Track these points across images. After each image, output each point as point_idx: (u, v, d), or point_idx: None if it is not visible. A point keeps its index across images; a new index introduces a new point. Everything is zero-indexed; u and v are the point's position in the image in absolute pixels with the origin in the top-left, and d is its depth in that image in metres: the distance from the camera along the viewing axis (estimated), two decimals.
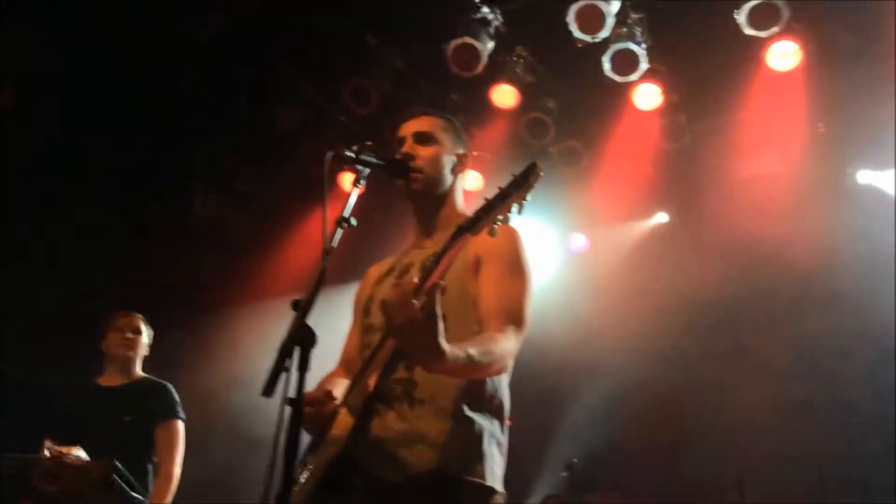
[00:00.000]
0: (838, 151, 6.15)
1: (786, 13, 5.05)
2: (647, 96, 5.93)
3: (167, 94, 6.17)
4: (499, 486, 2.43)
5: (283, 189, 7.17)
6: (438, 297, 2.05)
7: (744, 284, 6.29)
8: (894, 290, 5.65)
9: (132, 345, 4.49)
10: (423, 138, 2.73)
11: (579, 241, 7.31)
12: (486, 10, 5.65)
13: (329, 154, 2.44)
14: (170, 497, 4.24)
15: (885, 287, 5.73)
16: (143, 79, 6.03)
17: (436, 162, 2.71)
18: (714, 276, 6.43)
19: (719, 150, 6.33)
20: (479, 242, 2.29)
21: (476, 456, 2.38)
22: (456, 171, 2.78)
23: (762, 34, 5.19)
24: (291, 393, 2.04)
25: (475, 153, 6.42)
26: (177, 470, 4.31)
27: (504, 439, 2.52)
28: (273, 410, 2.06)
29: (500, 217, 2.09)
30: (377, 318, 2.59)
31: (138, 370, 4.55)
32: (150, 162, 6.54)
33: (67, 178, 6.10)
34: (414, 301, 2.03)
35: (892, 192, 6.15)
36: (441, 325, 2.05)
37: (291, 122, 6.55)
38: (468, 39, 5.59)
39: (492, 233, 2.11)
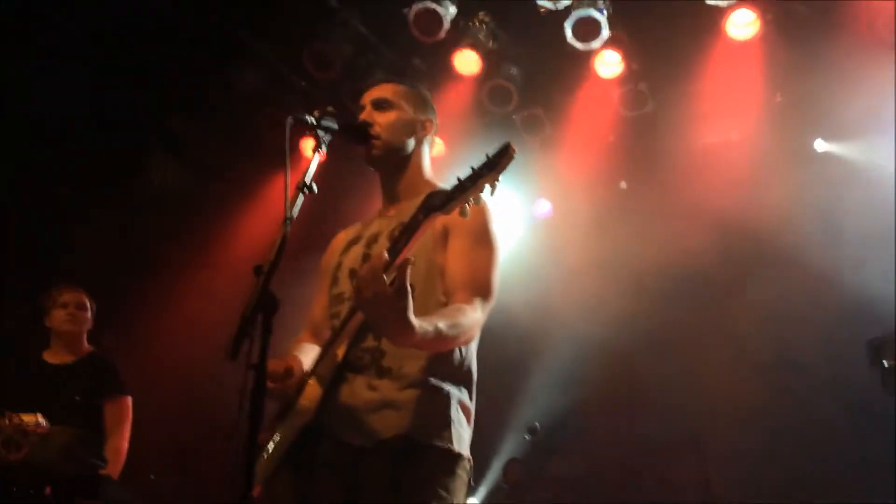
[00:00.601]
0: (796, 120, 6.24)
1: None
2: (609, 64, 5.96)
3: (120, 57, 6.03)
4: (465, 451, 2.47)
5: (242, 156, 7.08)
6: (408, 272, 2.07)
7: (703, 251, 6.38)
8: (850, 255, 5.79)
9: (79, 320, 4.46)
10: (381, 104, 2.73)
11: (543, 207, 7.35)
12: None
13: (289, 119, 2.43)
14: (118, 469, 4.24)
15: (840, 253, 5.86)
16: (96, 41, 5.89)
17: (394, 128, 2.71)
18: (674, 243, 6.53)
19: (680, 118, 6.38)
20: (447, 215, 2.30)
21: (443, 422, 2.42)
22: (419, 136, 2.78)
23: (721, 3, 5.23)
24: (254, 358, 2.06)
25: (437, 119, 6.42)
26: (125, 444, 4.33)
27: (472, 406, 2.55)
28: (237, 377, 2.07)
29: (472, 198, 2.09)
30: (345, 286, 2.61)
31: (85, 345, 4.53)
32: (102, 128, 6.41)
33: (17, 147, 5.95)
34: (384, 277, 2.04)
35: (847, 163, 6.26)
36: (410, 301, 2.06)
37: (250, 87, 6.45)
38: (430, 4, 5.55)
39: (463, 213, 2.11)
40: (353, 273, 2.59)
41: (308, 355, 2.59)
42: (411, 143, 2.76)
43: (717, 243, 6.41)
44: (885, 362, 5.04)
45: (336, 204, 5.15)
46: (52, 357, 4.46)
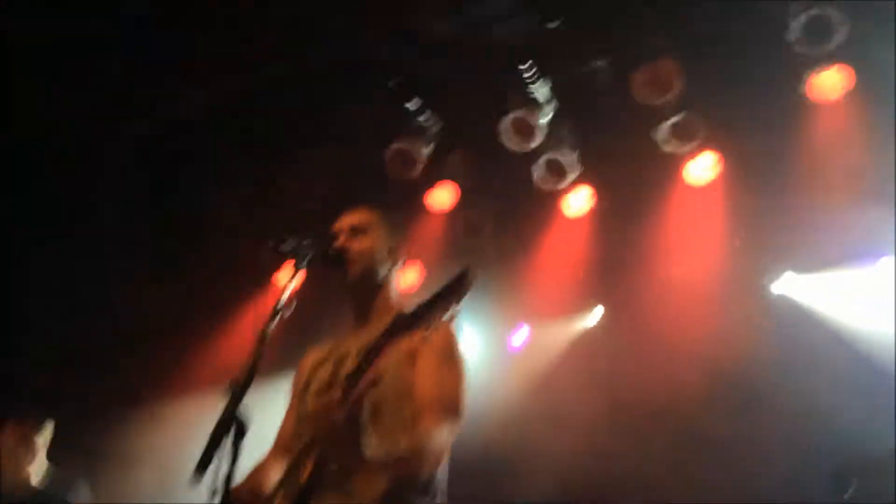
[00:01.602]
0: (753, 260, 6.44)
1: (703, 129, 5.39)
2: (576, 203, 6.20)
3: (97, 178, 6.16)
4: None
5: (223, 282, 7.13)
6: (364, 405, 2.14)
7: (664, 384, 6.43)
8: (808, 392, 5.86)
9: (12, 468, 4.27)
10: (355, 231, 2.86)
11: (521, 335, 7.37)
12: (424, 116, 5.88)
13: (269, 244, 2.54)
14: None
15: (800, 390, 5.94)
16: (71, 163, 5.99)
17: (369, 254, 2.83)
18: (643, 379, 6.57)
19: (646, 255, 6.57)
20: (412, 339, 2.35)
21: None
22: (391, 261, 2.90)
23: (680, 150, 5.53)
24: (219, 483, 2.05)
25: (411, 251, 6.57)
26: None
27: None
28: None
29: (433, 324, 2.16)
30: (312, 405, 2.62)
31: (34, 483, 4.34)
32: (77, 250, 6.45)
33: None
34: (337, 413, 2.09)
35: (803, 301, 6.44)
36: (362, 436, 2.12)
37: (230, 214, 6.60)
38: (405, 145, 5.80)
39: (425, 339, 2.20)
40: (320, 392, 2.63)
41: (273, 476, 2.59)
42: (383, 269, 2.87)
43: (678, 378, 6.45)
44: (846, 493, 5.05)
45: (312, 327, 5.19)
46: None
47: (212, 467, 2.05)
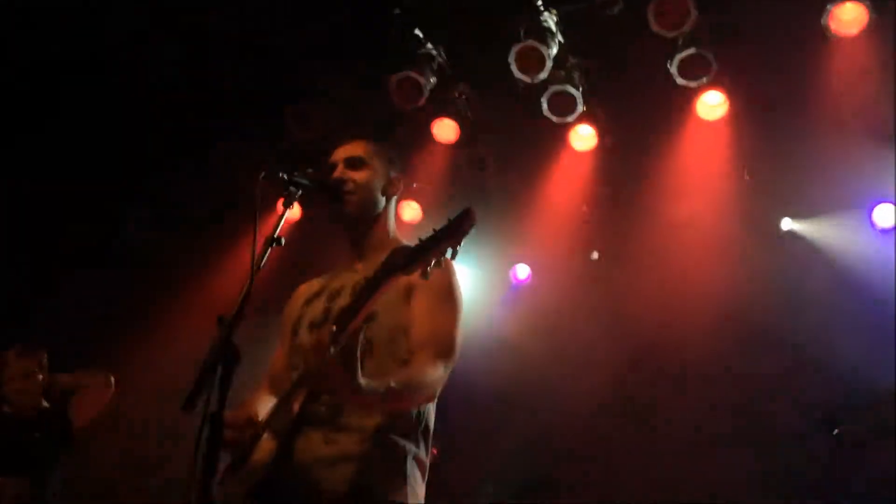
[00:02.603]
0: (764, 199, 6.38)
1: (715, 65, 5.28)
2: (583, 138, 6.10)
3: (99, 113, 6.09)
4: None
5: (216, 211, 7.10)
6: (360, 335, 2.11)
7: (673, 325, 6.43)
8: (814, 332, 5.87)
9: (28, 392, 4.53)
10: (354, 163, 2.78)
11: (523, 272, 7.36)
12: (429, 46, 5.76)
13: (261, 174, 2.48)
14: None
15: (805, 329, 5.95)
16: (72, 95, 5.94)
17: (367, 185, 2.76)
18: (645, 317, 6.58)
19: (652, 193, 6.51)
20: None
21: (399, 477, 2.42)
22: (388, 193, 2.83)
23: (692, 84, 5.41)
24: (211, 409, 2.05)
25: (414, 185, 6.51)
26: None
27: (427, 462, 2.56)
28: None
29: (434, 260, 2.11)
30: (305, 339, 2.61)
31: (42, 403, 4.58)
32: (80, 184, 6.42)
33: None
34: (330, 349, 2.07)
35: (812, 242, 6.40)
36: (356, 363, 2.09)
37: (228, 144, 6.52)
38: (411, 73, 5.69)
39: (424, 275, 2.13)
40: (313, 325, 2.61)
41: (264, 408, 2.58)
42: (382, 200, 2.81)
43: (686, 319, 6.46)
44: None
45: (306, 258, 5.16)
46: (10, 409, 4.53)
47: (204, 396, 2.03)
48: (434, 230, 2.13)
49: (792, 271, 6.27)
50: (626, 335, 6.64)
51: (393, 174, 2.86)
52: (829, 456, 5.39)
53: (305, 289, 2.88)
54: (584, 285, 6.95)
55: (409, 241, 2.71)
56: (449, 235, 2.09)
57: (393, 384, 2.26)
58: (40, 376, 4.55)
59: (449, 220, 2.11)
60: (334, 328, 2.10)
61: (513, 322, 7.01)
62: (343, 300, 2.56)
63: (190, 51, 5.88)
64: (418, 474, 2.50)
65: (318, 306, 2.69)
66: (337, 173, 2.77)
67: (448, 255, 2.11)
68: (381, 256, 2.33)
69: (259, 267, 2.31)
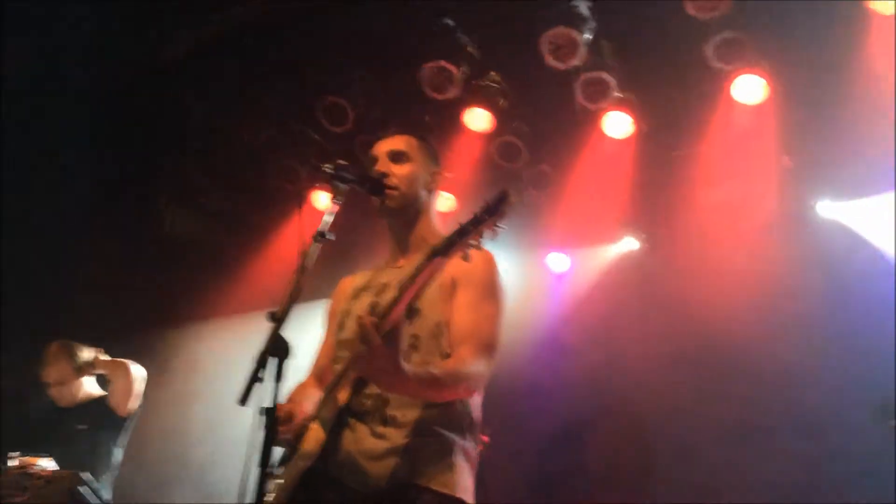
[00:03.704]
0: (801, 183, 6.30)
1: (751, 47, 5.20)
2: (617, 124, 6.04)
3: (137, 110, 6.16)
4: (468, 498, 2.48)
5: (253, 205, 7.16)
6: (403, 322, 2.14)
7: (710, 311, 6.37)
8: (853, 318, 5.78)
9: (64, 397, 4.63)
10: (397, 157, 2.79)
11: (560, 261, 7.31)
12: (460, 34, 5.73)
13: (306, 169, 2.49)
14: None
15: (845, 315, 5.86)
16: (113, 95, 6.03)
17: (410, 180, 2.77)
18: (681, 303, 6.53)
19: (688, 178, 6.44)
20: (456, 265, 2.35)
21: (446, 468, 2.44)
22: (430, 188, 2.85)
23: (728, 67, 5.33)
24: (266, 403, 2.08)
25: (448, 175, 6.51)
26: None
27: (475, 454, 2.57)
28: (243, 423, 2.09)
29: (473, 242, 2.12)
30: (352, 333, 2.62)
31: (92, 392, 4.67)
32: (119, 178, 6.52)
33: (35, 193, 6.05)
34: (376, 330, 2.10)
35: (852, 226, 6.31)
36: (399, 348, 2.13)
37: (263, 138, 6.56)
38: (442, 62, 5.67)
39: (465, 257, 2.15)
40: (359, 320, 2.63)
41: (310, 400, 2.62)
42: (424, 194, 2.82)
43: (723, 304, 6.40)
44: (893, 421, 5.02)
45: (347, 252, 5.19)
46: (54, 400, 4.64)
47: (257, 388, 2.06)
48: (473, 213, 2.14)
49: (833, 256, 6.18)
50: (665, 322, 6.60)
51: (434, 168, 2.87)
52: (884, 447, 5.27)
53: (350, 282, 2.90)
54: (620, 273, 6.92)
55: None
56: (487, 217, 2.09)
57: (435, 372, 2.29)
58: (75, 381, 4.63)
59: (486, 202, 2.12)
60: (378, 316, 2.13)
61: (550, 311, 7.00)
62: (389, 295, 2.56)
63: (221, 46, 5.92)
64: (467, 466, 2.51)
65: (365, 300, 2.70)
66: (380, 166, 2.77)
67: (488, 236, 2.12)
68: (425, 251, 2.35)
69: (307, 263, 2.33)
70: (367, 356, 2.10)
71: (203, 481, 6.31)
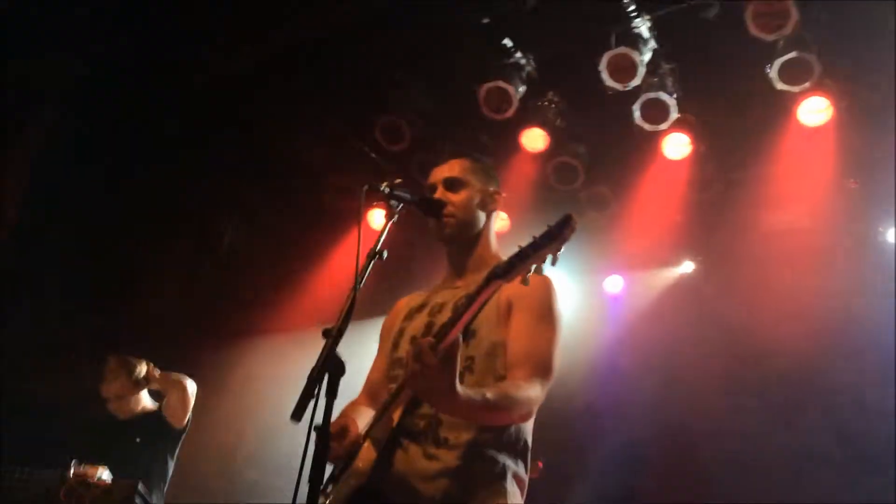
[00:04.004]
0: (867, 208, 6.13)
1: (818, 69, 5.08)
2: (677, 146, 5.96)
3: (195, 126, 6.29)
4: None
5: (311, 224, 7.25)
6: (459, 344, 2.12)
7: (770, 337, 6.23)
8: None
9: (122, 410, 4.74)
10: (452, 184, 2.82)
11: (616, 284, 7.23)
12: (518, 55, 5.74)
13: (364, 187, 2.51)
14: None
15: None
16: (172, 111, 6.16)
17: (467, 206, 2.79)
18: (740, 328, 6.40)
19: (748, 201, 6.33)
20: (512, 288, 2.34)
21: (498, 494, 2.42)
22: (488, 209, 2.85)
23: (793, 89, 5.22)
24: (318, 420, 2.08)
25: (503, 194, 6.49)
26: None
27: (525, 479, 2.55)
28: (294, 440, 2.09)
29: (534, 266, 2.10)
30: (405, 352, 2.63)
31: (141, 405, 4.79)
32: (176, 193, 6.65)
33: (92, 206, 6.18)
34: (433, 351, 2.09)
35: None
36: (456, 370, 2.11)
37: (321, 156, 6.64)
38: (500, 83, 5.68)
39: (524, 281, 2.13)
40: (414, 340, 2.62)
41: (363, 418, 2.63)
42: (482, 217, 2.84)
43: (785, 330, 6.25)
44: None
45: (401, 272, 5.21)
46: (112, 413, 4.76)
47: (310, 405, 2.07)
48: (534, 237, 2.11)
49: (894, 281, 5.99)
50: (722, 347, 6.47)
51: (491, 189, 2.88)
52: None
53: (406, 302, 2.91)
54: (677, 296, 6.81)
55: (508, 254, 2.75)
56: (549, 241, 2.08)
57: (489, 395, 2.26)
58: (134, 395, 4.75)
59: (549, 226, 2.10)
60: (434, 337, 2.13)
61: (606, 334, 6.91)
62: (445, 315, 2.58)
63: (277, 64, 6.01)
64: (517, 491, 2.48)
65: (420, 321, 2.71)
66: (437, 195, 2.80)
67: (549, 262, 2.10)
68: (483, 273, 2.36)
69: (361, 281, 2.34)
70: (423, 376, 2.10)
71: (253, 498, 6.36)
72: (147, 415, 4.73)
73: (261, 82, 6.10)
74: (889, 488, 5.77)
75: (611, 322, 7.05)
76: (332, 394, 2.10)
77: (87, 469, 3.72)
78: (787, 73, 5.11)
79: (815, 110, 5.41)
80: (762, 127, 5.77)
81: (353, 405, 2.78)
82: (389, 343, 2.79)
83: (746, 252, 6.44)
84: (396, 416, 2.47)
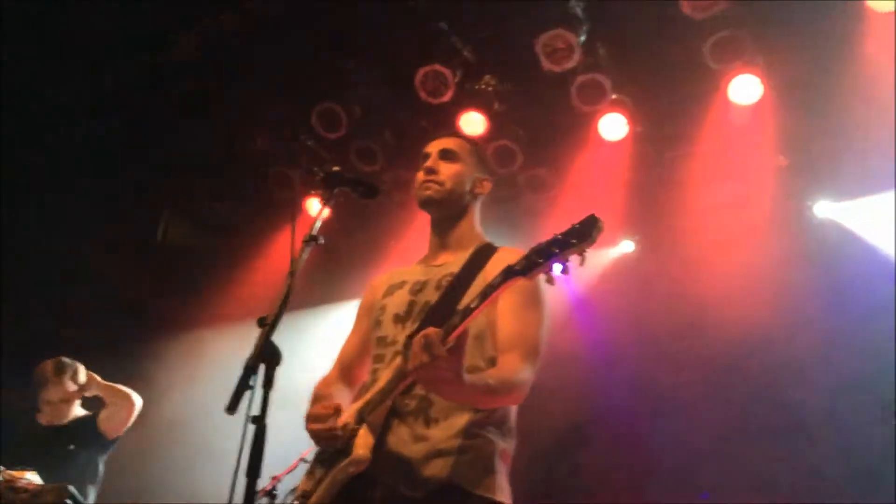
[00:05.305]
0: (797, 183, 6.28)
1: (749, 47, 5.17)
2: (614, 126, 6.00)
3: (134, 117, 6.14)
4: (507, 500, 2.50)
5: (248, 212, 7.13)
6: (468, 337, 2.15)
7: (709, 313, 6.34)
8: (852, 318, 5.75)
9: (61, 415, 4.63)
10: (447, 155, 2.85)
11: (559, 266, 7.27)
12: (454, 38, 5.71)
13: (299, 173, 2.47)
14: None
15: (843, 316, 5.83)
16: (110, 100, 6.00)
17: (457, 178, 2.82)
18: (679, 305, 6.50)
19: (684, 180, 6.42)
20: (496, 269, 2.36)
21: (488, 472, 2.46)
22: (476, 192, 2.88)
23: (725, 67, 5.30)
24: (255, 411, 2.04)
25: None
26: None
27: (511, 456, 2.60)
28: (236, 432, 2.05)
29: (561, 267, 2.05)
30: (389, 330, 2.67)
31: (74, 412, 4.69)
32: (116, 185, 6.50)
33: (33, 200, 6.03)
34: (441, 343, 2.10)
35: (849, 225, 6.28)
36: (463, 361, 2.14)
37: (258, 144, 6.52)
38: (437, 66, 5.64)
39: (549, 281, 2.10)
40: (397, 317, 2.67)
41: (342, 396, 2.67)
42: (468, 196, 2.86)
43: (721, 306, 6.38)
44: None
45: (342, 258, 5.15)
46: (45, 420, 4.65)
47: (247, 396, 2.03)
48: (557, 235, 2.06)
49: (830, 255, 6.16)
50: (662, 325, 6.57)
51: (482, 175, 2.91)
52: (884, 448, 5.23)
53: (387, 279, 2.90)
54: (617, 276, 6.88)
55: (488, 238, 2.84)
56: (576, 242, 2.01)
57: (491, 382, 2.32)
58: (76, 400, 4.66)
59: (573, 225, 2.04)
60: (441, 331, 2.13)
61: (550, 315, 6.96)
62: (428, 295, 2.63)
63: (215, 53, 5.88)
64: (504, 468, 2.54)
65: (402, 298, 2.71)
66: (429, 163, 2.82)
67: (574, 262, 2.04)
68: (466, 252, 2.67)
69: (298, 267, 2.30)
70: (432, 366, 2.10)
71: (193, 490, 6.26)
72: (80, 422, 4.63)
73: (197, 71, 5.96)
74: (826, 459, 5.95)
75: (554, 303, 7.09)
76: (268, 383, 2.07)
77: (13, 474, 3.61)
78: (719, 51, 5.19)
79: (745, 88, 5.50)
80: (697, 105, 5.85)
81: (326, 383, 2.79)
82: (369, 321, 2.80)
83: (684, 229, 6.54)
84: (390, 400, 2.47)
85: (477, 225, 2.88)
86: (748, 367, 6.38)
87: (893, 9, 4.88)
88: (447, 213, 2.82)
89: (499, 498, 2.45)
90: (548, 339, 2.58)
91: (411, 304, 2.66)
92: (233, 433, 2.06)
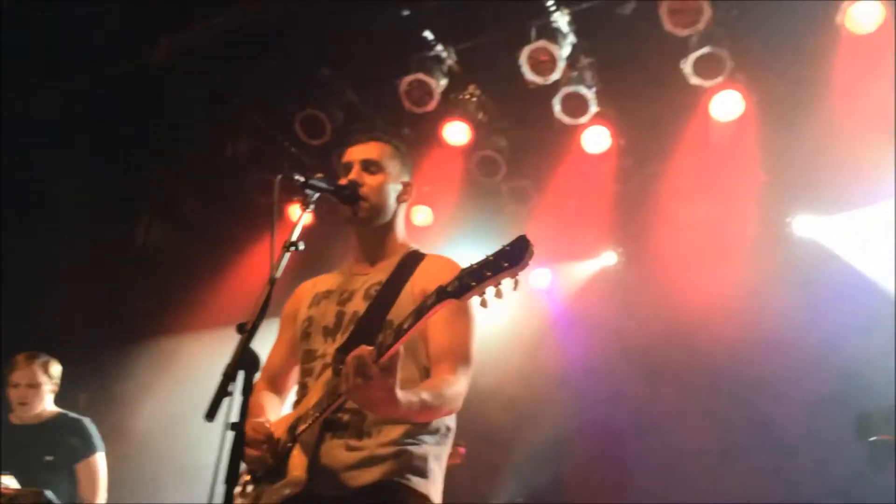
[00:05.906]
0: (777, 199, 6.34)
1: (729, 64, 5.22)
2: (597, 139, 6.03)
3: (113, 119, 6.10)
4: (439, 500, 2.50)
5: (229, 218, 7.10)
6: (400, 356, 2.13)
7: (689, 327, 6.38)
8: (830, 333, 5.80)
9: (30, 399, 4.49)
10: (369, 166, 2.76)
11: (543, 279, 7.26)
12: (439, 48, 5.73)
13: (278, 178, 2.46)
14: None
15: (821, 331, 5.88)
16: (90, 104, 5.96)
17: (382, 191, 2.75)
18: (658, 320, 6.53)
19: (665, 194, 6.46)
20: (424, 279, 2.45)
21: (421, 472, 2.46)
22: (400, 199, 2.82)
23: (706, 84, 5.35)
24: (234, 417, 2.03)
25: (426, 188, 6.48)
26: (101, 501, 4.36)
27: (446, 460, 2.59)
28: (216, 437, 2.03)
29: (494, 291, 2.01)
30: (318, 344, 2.63)
31: (48, 409, 4.56)
32: (94, 188, 6.44)
33: (8, 203, 5.96)
34: (372, 364, 2.09)
35: (827, 242, 6.34)
36: (397, 380, 2.12)
37: (240, 150, 6.51)
38: (421, 76, 5.66)
39: (483, 304, 2.06)
40: (326, 330, 2.63)
41: (273, 409, 2.63)
42: (394, 205, 2.80)
43: (701, 321, 6.41)
44: (873, 437, 5.01)
45: (322, 263, 5.12)
46: (16, 419, 4.54)
47: (225, 401, 2.01)
48: (488, 256, 2.00)
49: (808, 272, 6.22)
50: (643, 338, 6.59)
51: (406, 178, 2.84)
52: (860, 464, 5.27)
53: (311, 287, 2.85)
54: (599, 287, 6.91)
55: (419, 244, 2.82)
56: (507, 266, 1.95)
57: (426, 396, 2.29)
58: (47, 387, 4.54)
59: (504, 247, 1.98)
60: (373, 351, 2.11)
61: (530, 326, 6.97)
62: (356, 304, 2.60)
63: (198, 57, 5.86)
64: (438, 471, 2.53)
65: (329, 309, 2.67)
66: (353, 175, 2.74)
67: (510, 286, 2.00)
68: (392, 260, 2.65)
69: (277, 274, 2.28)
70: (365, 387, 2.09)
71: (175, 497, 6.20)
72: (56, 431, 4.51)
73: (181, 75, 5.93)
74: (804, 473, 5.99)
75: (535, 314, 7.10)
76: (247, 390, 2.05)
77: None
78: (700, 67, 5.24)
79: (726, 104, 5.56)
80: (678, 121, 5.89)
81: (256, 396, 2.68)
82: (295, 331, 2.74)
83: (665, 243, 6.57)
84: (325, 413, 2.42)
85: (401, 231, 2.82)
86: (727, 381, 6.42)
87: (870, 30, 4.96)
88: (373, 226, 2.76)
89: (432, 498, 2.46)
90: (478, 346, 2.57)
91: (339, 315, 2.62)
92: (211, 439, 2.05)
